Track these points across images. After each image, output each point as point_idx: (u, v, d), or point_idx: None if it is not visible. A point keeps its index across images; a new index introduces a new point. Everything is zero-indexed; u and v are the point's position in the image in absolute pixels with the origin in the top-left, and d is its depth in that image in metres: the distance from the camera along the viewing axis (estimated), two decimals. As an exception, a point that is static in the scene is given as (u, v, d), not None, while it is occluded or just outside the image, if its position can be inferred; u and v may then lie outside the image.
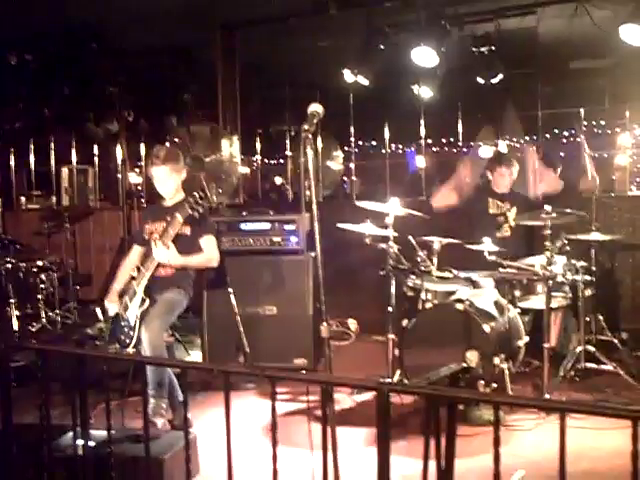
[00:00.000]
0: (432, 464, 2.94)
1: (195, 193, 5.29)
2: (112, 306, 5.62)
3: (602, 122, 14.01)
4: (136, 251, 5.88)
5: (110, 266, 5.94)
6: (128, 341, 5.42)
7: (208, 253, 5.66)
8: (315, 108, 3.58)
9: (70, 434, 3.69)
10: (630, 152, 11.44)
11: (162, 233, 5.43)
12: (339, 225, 6.34)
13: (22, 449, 3.77)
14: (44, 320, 8.78)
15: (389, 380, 5.99)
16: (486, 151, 13.88)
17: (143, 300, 5.42)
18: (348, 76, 8.49)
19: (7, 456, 3.70)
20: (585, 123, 12.08)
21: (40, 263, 9.02)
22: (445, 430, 2.90)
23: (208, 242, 5.65)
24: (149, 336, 5.23)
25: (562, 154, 13.71)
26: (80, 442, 3.51)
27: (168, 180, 5.70)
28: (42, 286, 8.89)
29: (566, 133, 14.70)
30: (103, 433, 3.49)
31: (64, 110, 11.15)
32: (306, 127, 3.46)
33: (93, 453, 3.55)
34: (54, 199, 12.16)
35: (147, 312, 5.40)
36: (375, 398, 2.68)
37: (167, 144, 8.19)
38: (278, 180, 15.45)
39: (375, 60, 8.48)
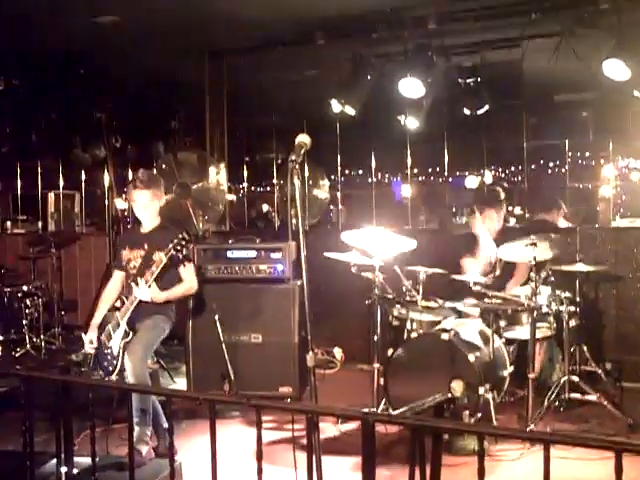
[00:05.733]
0: (417, 494, 2.95)
1: (180, 235, 5.19)
2: (90, 337, 5.57)
3: (586, 154, 14.15)
4: (118, 276, 5.83)
5: (96, 292, 5.89)
6: (111, 369, 5.41)
7: (188, 282, 5.63)
8: (302, 139, 3.60)
9: (54, 461, 3.66)
10: (614, 184, 11.54)
11: (143, 270, 5.39)
12: (326, 254, 6.34)
13: (5, 476, 3.74)
14: (28, 346, 8.75)
15: (374, 410, 5.98)
16: (472, 182, 14.01)
17: (127, 333, 5.40)
18: (335, 106, 8.52)
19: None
20: (570, 154, 12.17)
21: (25, 288, 9.01)
22: (430, 460, 2.91)
23: (188, 270, 5.62)
24: (132, 364, 5.22)
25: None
26: (64, 469, 3.49)
27: (149, 205, 5.64)
28: (27, 311, 8.86)
29: (551, 164, 14.83)
30: (87, 460, 3.48)
31: (51, 135, 11.15)
32: (293, 158, 3.48)
33: (77, 481, 3.53)
34: (40, 224, 12.15)
35: (130, 340, 5.40)
36: (361, 428, 2.69)
37: (154, 170, 8.21)
38: (265, 207, 15.49)
39: (362, 90, 8.52)
